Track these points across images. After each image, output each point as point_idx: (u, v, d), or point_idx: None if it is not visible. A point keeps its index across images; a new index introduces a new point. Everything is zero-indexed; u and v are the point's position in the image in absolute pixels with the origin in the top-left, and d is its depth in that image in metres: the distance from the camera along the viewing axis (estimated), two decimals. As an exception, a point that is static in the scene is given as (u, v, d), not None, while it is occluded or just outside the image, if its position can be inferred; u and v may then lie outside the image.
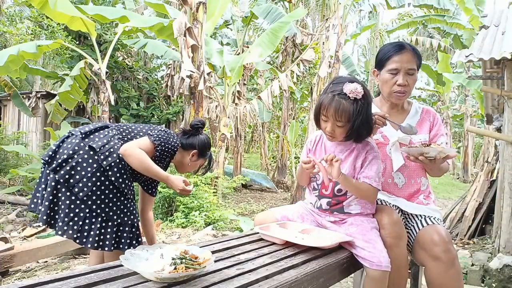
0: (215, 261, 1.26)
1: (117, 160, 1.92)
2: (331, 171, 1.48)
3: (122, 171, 1.94)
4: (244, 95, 9.79)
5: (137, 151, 1.89)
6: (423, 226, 1.71)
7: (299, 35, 9.61)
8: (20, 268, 3.39)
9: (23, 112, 8.80)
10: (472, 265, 3.79)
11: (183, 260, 1.12)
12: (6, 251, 3.16)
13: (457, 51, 4.19)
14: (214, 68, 7.83)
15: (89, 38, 7.73)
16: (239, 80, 8.54)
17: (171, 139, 2.06)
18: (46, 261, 3.62)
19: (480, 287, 3.52)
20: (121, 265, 1.15)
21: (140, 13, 9.32)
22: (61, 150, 1.91)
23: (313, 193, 1.72)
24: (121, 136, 2.01)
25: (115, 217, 1.91)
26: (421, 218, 1.76)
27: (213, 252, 1.31)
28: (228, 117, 7.70)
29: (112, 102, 7.06)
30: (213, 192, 6.12)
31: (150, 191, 2.26)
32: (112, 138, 1.97)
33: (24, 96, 9.45)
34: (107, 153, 1.91)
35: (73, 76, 6.87)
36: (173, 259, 1.12)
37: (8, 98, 9.34)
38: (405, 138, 1.81)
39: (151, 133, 2.04)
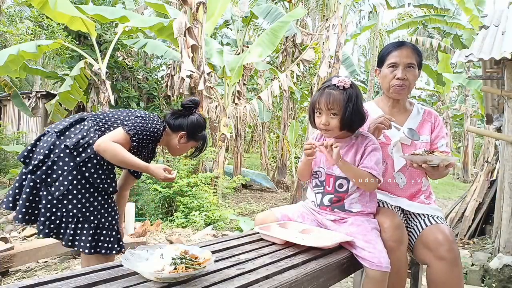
0: (215, 261, 1.26)
1: (92, 155, 1.85)
2: (331, 156, 1.50)
3: (98, 166, 1.87)
4: (244, 95, 9.79)
5: (111, 146, 1.80)
6: (426, 225, 1.70)
7: (299, 35, 9.61)
8: (20, 268, 3.39)
9: (23, 112, 8.80)
10: (472, 265, 3.79)
11: (183, 260, 1.12)
12: (6, 251, 3.17)
13: (457, 51, 4.19)
14: (214, 68, 7.83)
15: (89, 38, 7.72)
16: (239, 80, 8.54)
17: (149, 125, 1.94)
18: (46, 261, 3.62)
19: (480, 287, 3.52)
20: (121, 265, 1.15)
21: (140, 13, 9.32)
22: (37, 150, 1.86)
23: (315, 190, 1.72)
24: (97, 127, 1.92)
25: (91, 217, 1.85)
26: (424, 217, 1.76)
27: (213, 252, 1.31)
28: (228, 117, 7.70)
29: (112, 102, 7.06)
30: (213, 192, 6.12)
31: (136, 174, 2.18)
32: (88, 132, 1.89)
33: (24, 96, 9.46)
34: (80, 149, 1.84)
35: (73, 76, 6.87)
36: (173, 259, 1.12)
37: (8, 98, 9.35)
38: (407, 138, 1.82)
39: (126, 122, 1.92)
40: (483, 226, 5.15)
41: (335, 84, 1.55)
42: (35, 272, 3.36)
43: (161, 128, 2.02)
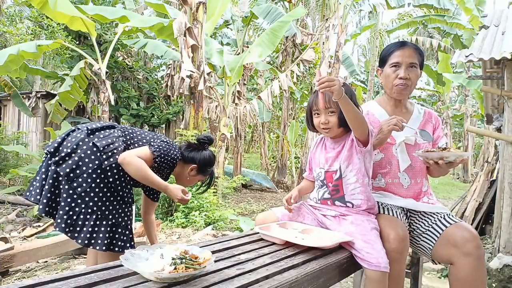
0: (215, 261, 1.26)
1: (117, 163, 1.91)
2: (332, 92, 1.42)
3: (121, 173, 1.93)
4: (244, 95, 9.79)
5: (135, 160, 1.88)
6: (449, 224, 1.70)
7: (299, 35, 9.61)
8: (20, 268, 3.39)
9: (23, 112, 8.80)
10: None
11: (183, 260, 1.13)
12: (6, 251, 3.17)
13: (457, 51, 4.19)
14: (214, 68, 7.83)
15: (89, 38, 7.73)
16: (239, 80, 8.54)
17: (172, 151, 2.04)
18: (46, 261, 3.62)
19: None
20: (121, 265, 1.15)
21: (140, 13, 9.32)
22: (65, 143, 1.91)
23: (318, 190, 1.75)
24: (124, 139, 2.00)
25: (110, 216, 1.90)
26: (441, 215, 1.76)
27: (213, 252, 1.31)
28: (228, 117, 7.70)
29: (112, 102, 7.06)
30: (213, 192, 6.12)
31: (151, 197, 2.27)
32: (117, 139, 1.96)
33: (24, 96, 9.45)
34: (109, 153, 1.90)
35: (73, 76, 6.87)
36: (173, 259, 1.12)
37: (8, 98, 9.35)
38: (411, 138, 1.82)
39: (152, 143, 2.01)
40: (483, 226, 5.14)
41: None
42: (35, 272, 3.36)
43: (179, 157, 2.11)
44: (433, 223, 1.75)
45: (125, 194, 1.98)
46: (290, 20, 7.42)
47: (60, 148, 1.89)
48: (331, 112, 1.61)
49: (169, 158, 2.03)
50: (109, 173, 1.90)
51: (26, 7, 11.07)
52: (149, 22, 6.42)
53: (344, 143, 1.67)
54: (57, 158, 1.86)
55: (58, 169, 1.85)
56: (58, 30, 8.25)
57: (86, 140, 1.91)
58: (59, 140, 1.93)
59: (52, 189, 1.87)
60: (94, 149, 1.89)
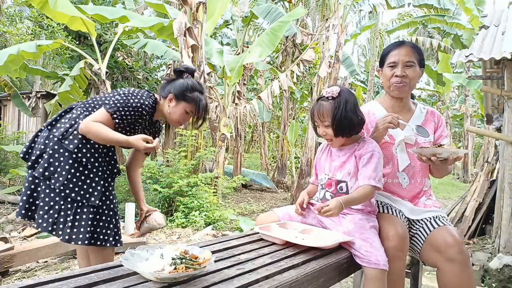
0: (215, 261, 1.26)
1: (84, 141, 1.86)
2: (331, 215, 1.54)
3: (93, 150, 1.88)
4: (244, 95, 9.79)
5: (91, 125, 1.82)
6: (434, 227, 1.70)
7: (299, 35, 9.61)
8: (20, 268, 3.39)
9: (23, 112, 8.81)
10: (472, 265, 3.78)
11: (183, 260, 1.12)
12: (6, 251, 3.17)
13: (457, 51, 4.19)
14: (214, 68, 7.83)
15: (89, 38, 7.73)
16: (239, 80, 8.54)
17: (131, 100, 1.89)
18: (46, 261, 3.62)
19: (480, 287, 3.52)
20: (121, 265, 1.15)
21: (140, 13, 9.31)
22: (35, 146, 1.91)
23: (320, 191, 1.78)
24: (87, 113, 1.91)
25: (92, 198, 1.84)
26: (429, 219, 1.75)
27: (213, 252, 1.31)
28: (228, 117, 7.70)
29: (112, 102, 7.05)
30: (213, 192, 6.12)
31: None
32: (77, 120, 1.89)
33: (24, 96, 9.47)
34: (71, 137, 1.86)
35: (73, 76, 6.87)
36: (173, 259, 1.12)
37: (8, 98, 9.36)
38: (411, 138, 1.82)
39: (106, 101, 1.89)
40: (483, 226, 5.15)
41: (324, 96, 1.65)
42: (35, 272, 3.36)
43: (146, 102, 1.93)
44: (420, 227, 1.75)
45: (104, 168, 1.93)
46: (290, 20, 7.42)
47: (33, 152, 1.89)
48: (326, 124, 1.63)
49: (129, 109, 1.88)
50: (79, 154, 1.85)
51: (26, 7, 11.07)
52: (149, 22, 6.42)
53: (350, 154, 1.68)
54: (30, 163, 1.86)
55: (34, 173, 1.84)
56: (58, 30, 8.24)
57: (50, 136, 1.88)
58: (29, 144, 1.93)
59: (29, 192, 1.86)
60: (59, 141, 1.86)
